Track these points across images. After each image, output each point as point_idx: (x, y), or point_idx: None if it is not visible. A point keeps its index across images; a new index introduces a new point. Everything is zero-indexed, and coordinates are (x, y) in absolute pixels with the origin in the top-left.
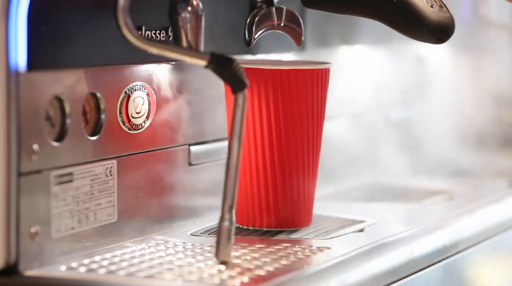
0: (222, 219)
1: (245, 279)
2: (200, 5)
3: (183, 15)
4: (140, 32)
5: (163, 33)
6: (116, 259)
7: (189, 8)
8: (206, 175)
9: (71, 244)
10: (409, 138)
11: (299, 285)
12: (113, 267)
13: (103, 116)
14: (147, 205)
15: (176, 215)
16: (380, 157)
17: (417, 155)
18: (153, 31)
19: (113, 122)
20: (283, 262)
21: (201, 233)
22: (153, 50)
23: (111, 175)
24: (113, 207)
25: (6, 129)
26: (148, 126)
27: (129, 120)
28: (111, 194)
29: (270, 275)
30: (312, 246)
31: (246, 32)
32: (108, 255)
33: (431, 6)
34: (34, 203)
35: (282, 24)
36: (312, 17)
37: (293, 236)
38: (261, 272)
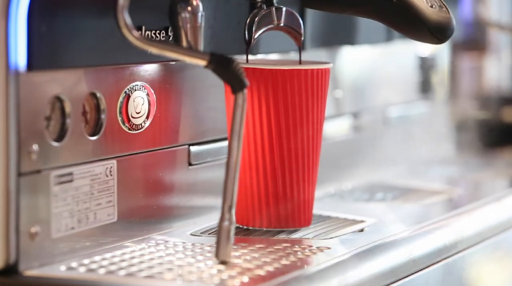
0: (222, 219)
1: (245, 279)
2: (200, 5)
3: (183, 15)
4: (140, 32)
5: (163, 33)
6: (116, 259)
7: (189, 8)
8: (206, 175)
9: (71, 244)
10: (408, 138)
11: (299, 285)
12: (113, 267)
13: (103, 116)
14: (147, 205)
15: (176, 215)
16: (380, 157)
17: (417, 155)
18: (153, 31)
19: (113, 122)
20: (283, 262)
21: (201, 233)
22: (153, 50)
23: (111, 175)
24: (113, 207)
25: (6, 129)
26: (148, 126)
27: (129, 120)
28: (111, 194)
29: (270, 275)
30: (312, 246)
31: (246, 32)
32: (108, 255)
33: (431, 6)
34: (34, 203)
35: (282, 24)
36: (312, 17)
37: (293, 236)
38: (261, 272)
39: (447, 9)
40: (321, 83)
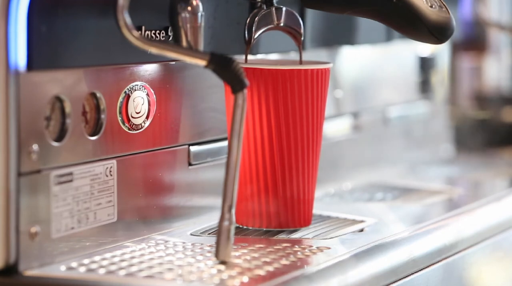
0: (222, 219)
1: (245, 279)
2: (200, 5)
3: (183, 15)
4: (140, 32)
5: (163, 33)
6: (116, 259)
7: (189, 8)
8: (206, 175)
9: (71, 244)
10: (408, 138)
11: (299, 285)
12: (113, 267)
13: (103, 116)
14: (147, 205)
15: (176, 215)
16: (380, 157)
17: (417, 155)
18: (153, 31)
19: (113, 122)
20: (283, 262)
21: (201, 233)
22: (153, 50)
23: (111, 175)
24: (113, 207)
25: (6, 129)
26: (148, 126)
27: (129, 120)
28: (111, 194)
29: (270, 275)
30: (312, 246)
31: (246, 32)
32: (108, 255)
33: (431, 6)
34: (34, 203)
35: (282, 24)
36: (312, 17)
37: (293, 236)
38: (261, 272)
39: (447, 9)
40: (321, 83)
